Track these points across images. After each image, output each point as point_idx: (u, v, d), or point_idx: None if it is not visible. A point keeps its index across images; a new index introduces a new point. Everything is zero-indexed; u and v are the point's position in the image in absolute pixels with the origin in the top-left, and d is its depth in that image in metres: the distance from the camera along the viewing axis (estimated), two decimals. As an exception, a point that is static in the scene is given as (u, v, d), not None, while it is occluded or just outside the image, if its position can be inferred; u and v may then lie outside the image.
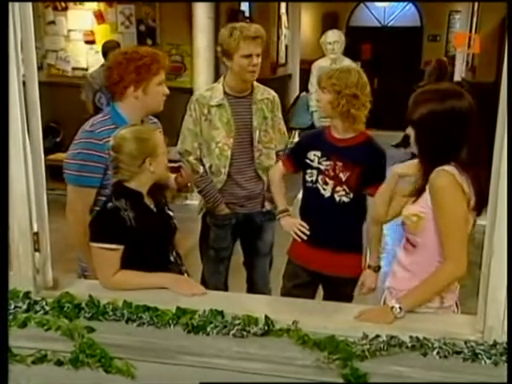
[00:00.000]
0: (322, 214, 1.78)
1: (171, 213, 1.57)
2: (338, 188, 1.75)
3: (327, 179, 1.75)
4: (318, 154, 1.77)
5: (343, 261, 1.78)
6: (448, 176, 1.27)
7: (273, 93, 2.11)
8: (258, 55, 1.94)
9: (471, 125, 1.28)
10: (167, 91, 1.66)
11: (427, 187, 1.30)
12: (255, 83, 2.06)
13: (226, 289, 2.18)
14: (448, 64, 5.10)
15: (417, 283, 1.33)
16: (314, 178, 1.78)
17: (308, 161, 1.79)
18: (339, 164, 1.73)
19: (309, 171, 1.80)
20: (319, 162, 1.77)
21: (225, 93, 2.01)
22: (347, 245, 1.77)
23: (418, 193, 1.34)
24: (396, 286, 1.41)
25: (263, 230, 2.14)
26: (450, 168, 1.28)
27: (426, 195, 1.31)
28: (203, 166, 2.03)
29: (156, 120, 1.81)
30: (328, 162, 1.75)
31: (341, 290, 1.79)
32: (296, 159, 1.85)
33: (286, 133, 2.19)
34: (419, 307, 1.31)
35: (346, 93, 1.67)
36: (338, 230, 1.77)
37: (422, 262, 1.36)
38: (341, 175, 1.73)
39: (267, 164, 2.07)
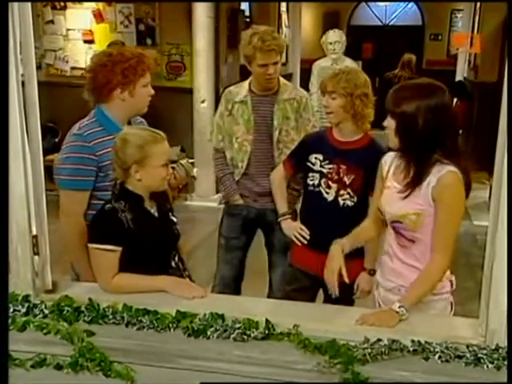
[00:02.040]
0: (324, 217, 1.76)
1: (175, 219, 1.55)
2: (341, 191, 1.74)
3: (330, 183, 1.74)
4: (320, 157, 1.76)
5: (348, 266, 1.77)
6: (456, 176, 1.32)
7: (302, 93, 2.12)
8: (275, 63, 1.97)
9: (451, 117, 1.35)
10: (152, 92, 1.65)
11: (426, 184, 1.32)
12: (283, 82, 2.09)
13: (238, 284, 2.19)
14: (412, 59, 5.74)
15: (416, 275, 1.37)
16: (317, 182, 1.77)
17: (309, 164, 1.78)
18: (343, 167, 1.72)
19: (311, 174, 1.79)
20: (321, 166, 1.76)
21: (250, 90, 2.07)
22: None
23: (409, 188, 1.35)
24: (404, 282, 1.41)
25: (275, 229, 2.13)
26: (453, 168, 1.32)
27: (427, 192, 1.33)
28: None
29: (142, 120, 1.79)
30: (331, 166, 1.74)
31: (342, 294, 1.78)
32: (297, 162, 1.85)
33: None
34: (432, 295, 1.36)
35: (358, 93, 1.68)
36: (340, 235, 1.75)
37: (420, 253, 1.39)
38: (345, 178, 1.72)
39: None
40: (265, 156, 2.08)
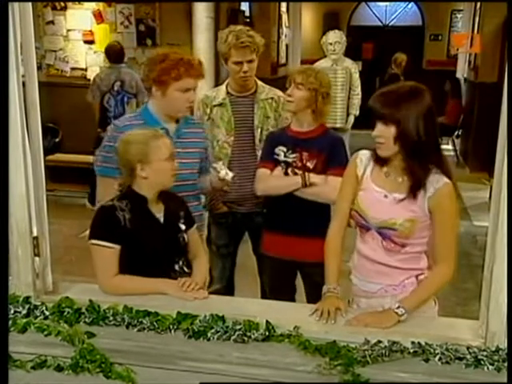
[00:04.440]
0: (293, 202, 1.85)
1: (183, 227, 1.51)
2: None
3: (296, 170, 1.86)
4: (284, 149, 1.88)
5: (317, 246, 1.71)
6: (452, 187, 1.32)
7: (279, 93, 2.14)
8: (249, 61, 1.99)
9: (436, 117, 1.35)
10: (192, 98, 1.69)
11: (422, 193, 1.31)
12: (260, 83, 2.11)
13: (231, 286, 2.20)
14: (403, 58, 5.93)
15: (407, 275, 1.38)
16: (284, 171, 1.88)
17: (276, 156, 1.89)
18: (305, 154, 1.85)
19: (278, 165, 1.90)
20: (286, 156, 1.87)
21: (228, 93, 2.08)
22: (318, 229, 1.71)
23: (410, 196, 1.33)
24: (392, 282, 1.40)
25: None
26: (447, 179, 1.32)
27: (423, 201, 1.32)
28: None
29: (197, 120, 1.87)
30: (294, 155, 1.86)
31: (318, 277, 1.69)
32: (269, 158, 1.92)
33: None
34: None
35: (322, 91, 1.82)
36: (309, 216, 1.84)
37: (409, 256, 1.39)
38: (308, 164, 1.84)
39: None
40: (246, 157, 2.08)
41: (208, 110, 2.06)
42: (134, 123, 1.63)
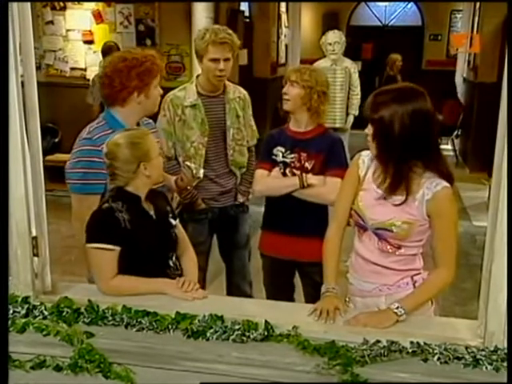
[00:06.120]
0: (291, 202, 1.87)
1: (174, 221, 1.55)
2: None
3: (294, 170, 1.87)
4: (282, 149, 1.89)
5: (315, 245, 1.73)
6: (450, 191, 1.33)
7: (243, 91, 2.18)
8: (226, 60, 1.99)
9: (432, 123, 1.33)
10: (161, 91, 1.69)
11: (420, 197, 1.31)
12: (227, 82, 2.12)
13: (204, 283, 2.21)
14: (398, 59, 5.99)
15: (403, 275, 1.39)
16: (282, 171, 1.89)
17: (274, 157, 1.90)
18: (304, 155, 1.86)
19: (276, 165, 1.91)
20: (284, 156, 1.89)
21: (198, 93, 2.07)
22: (316, 229, 1.75)
23: (387, 195, 1.33)
24: (387, 282, 1.41)
25: (238, 223, 2.21)
26: (446, 183, 1.32)
27: (421, 205, 1.32)
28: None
29: (150, 121, 1.83)
30: (293, 155, 1.87)
31: (316, 276, 1.73)
32: (269, 159, 1.93)
33: (255, 128, 2.26)
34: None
35: (317, 89, 1.82)
36: (307, 216, 1.86)
37: (404, 257, 1.40)
38: (306, 164, 1.85)
39: (240, 160, 2.16)
40: (219, 155, 2.11)
41: (179, 111, 2.03)
42: (105, 133, 1.56)
